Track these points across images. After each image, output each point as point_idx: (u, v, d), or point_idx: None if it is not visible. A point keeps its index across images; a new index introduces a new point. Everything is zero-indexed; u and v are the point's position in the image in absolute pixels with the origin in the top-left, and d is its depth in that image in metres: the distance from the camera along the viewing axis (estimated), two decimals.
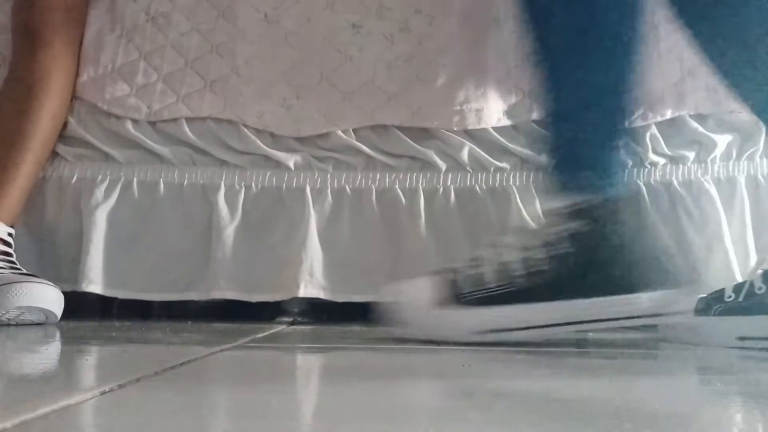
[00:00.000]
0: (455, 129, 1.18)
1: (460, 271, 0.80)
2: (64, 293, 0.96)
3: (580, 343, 0.95)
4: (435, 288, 0.79)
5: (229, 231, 1.14)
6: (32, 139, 1.11)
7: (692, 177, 1.21)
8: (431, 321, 0.78)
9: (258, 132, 1.17)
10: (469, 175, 1.19)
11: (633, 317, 0.79)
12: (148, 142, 1.17)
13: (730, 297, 0.85)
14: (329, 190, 1.19)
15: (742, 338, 0.77)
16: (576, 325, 0.79)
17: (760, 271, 0.89)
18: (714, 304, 0.84)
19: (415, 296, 0.79)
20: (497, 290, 0.78)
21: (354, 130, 1.18)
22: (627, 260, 0.79)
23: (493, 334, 0.78)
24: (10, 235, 1.07)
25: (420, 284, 0.80)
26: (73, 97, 1.18)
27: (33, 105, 1.12)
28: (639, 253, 0.80)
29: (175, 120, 1.17)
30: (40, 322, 0.93)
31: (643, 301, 0.79)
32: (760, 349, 0.77)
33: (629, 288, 0.79)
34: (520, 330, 0.78)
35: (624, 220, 0.81)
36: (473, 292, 0.78)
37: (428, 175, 1.19)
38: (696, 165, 1.21)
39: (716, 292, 0.87)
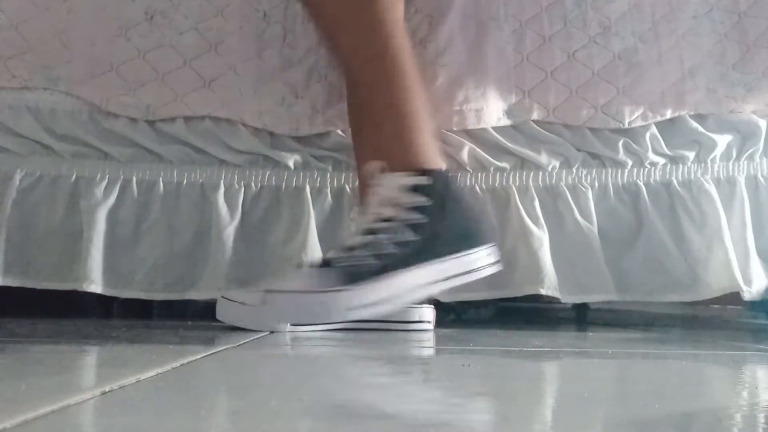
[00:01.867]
0: (455, 129, 1.18)
1: (335, 259, 0.90)
2: (64, 293, 0.96)
3: (580, 343, 0.95)
4: (307, 277, 0.88)
5: (229, 231, 1.14)
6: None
7: (692, 177, 1.21)
8: (306, 306, 0.87)
9: (257, 131, 1.17)
10: (469, 175, 1.19)
11: (476, 269, 0.96)
12: (147, 141, 1.16)
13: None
14: (329, 190, 1.19)
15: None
16: (440, 283, 0.92)
17: None
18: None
19: (286, 287, 0.89)
20: (368, 265, 0.88)
21: None
22: (460, 224, 0.95)
23: (367, 308, 0.87)
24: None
25: (290, 277, 0.90)
26: (73, 96, 1.18)
27: None
28: (465, 217, 0.96)
29: (173, 119, 1.17)
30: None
31: (482, 254, 0.97)
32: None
33: (471, 244, 0.95)
34: (390, 300, 0.88)
35: (451, 194, 0.96)
36: (346, 268, 0.88)
37: None
38: (696, 165, 1.21)
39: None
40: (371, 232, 0.92)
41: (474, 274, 0.95)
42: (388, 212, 0.93)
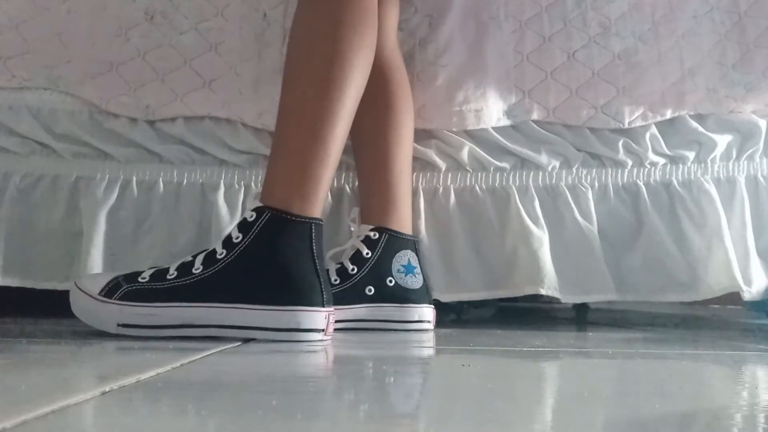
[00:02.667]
0: (454, 129, 1.18)
1: (141, 271, 0.86)
2: (64, 293, 0.95)
3: (580, 343, 0.95)
4: (106, 282, 0.84)
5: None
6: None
7: (692, 177, 1.21)
8: (91, 310, 0.84)
9: (257, 131, 1.17)
10: (468, 174, 1.19)
11: (276, 329, 0.83)
12: (147, 141, 1.16)
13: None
14: (329, 190, 1.19)
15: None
16: (210, 329, 0.83)
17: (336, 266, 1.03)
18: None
19: (89, 286, 0.85)
20: (155, 286, 0.83)
21: None
22: (279, 274, 0.84)
23: (137, 329, 0.82)
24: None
25: (100, 278, 0.86)
26: (73, 96, 1.18)
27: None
28: (293, 272, 0.84)
29: (173, 119, 1.17)
30: None
31: (292, 315, 0.83)
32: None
33: (278, 300, 0.83)
34: (159, 328, 0.83)
35: (282, 240, 0.85)
36: (131, 286, 0.84)
37: (428, 174, 1.19)
38: (696, 165, 1.21)
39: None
40: (197, 254, 0.87)
41: (261, 333, 0.83)
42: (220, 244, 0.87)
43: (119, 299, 0.83)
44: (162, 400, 0.46)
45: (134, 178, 1.16)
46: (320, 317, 0.84)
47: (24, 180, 1.15)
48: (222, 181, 1.17)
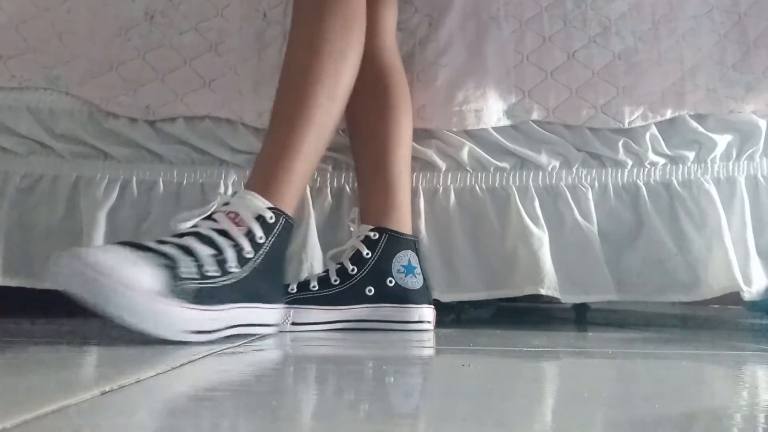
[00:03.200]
0: (454, 129, 1.18)
1: (179, 262, 0.75)
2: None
3: (580, 343, 0.95)
4: (156, 277, 0.71)
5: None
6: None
7: (692, 177, 1.21)
8: (149, 314, 0.70)
9: (257, 131, 1.17)
10: (469, 174, 1.19)
11: (265, 325, 0.87)
12: (147, 141, 1.16)
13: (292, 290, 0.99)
14: (329, 190, 1.19)
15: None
16: (234, 329, 0.81)
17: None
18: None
19: (135, 283, 0.70)
20: (203, 284, 0.76)
21: None
22: (276, 276, 0.89)
23: (205, 335, 0.76)
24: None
25: (141, 271, 0.71)
26: (73, 96, 1.18)
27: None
28: (281, 273, 0.91)
29: (173, 119, 1.17)
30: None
31: (274, 312, 0.89)
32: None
33: (273, 299, 0.88)
34: (210, 333, 0.77)
35: (284, 245, 0.89)
36: (189, 283, 0.74)
37: (428, 174, 1.19)
38: (696, 165, 1.21)
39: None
40: (208, 240, 0.80)
41: (260, 329, 0.86)
42: (224, 225, 0.83)
43: (183, 299, 0.73)
44: (162, 400, 0.46)
45: (134, 178, 1.16)
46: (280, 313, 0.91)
47: (24, 180, 1.15)
48: (222, 181, 1.17)
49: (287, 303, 0.96)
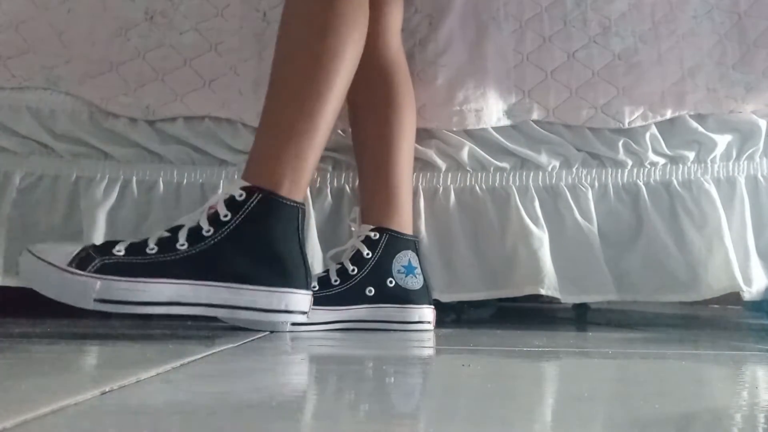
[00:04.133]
0: (454, 129, 1.18)
1: (114, 243, 0.81)
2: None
3: (580, 343, 0.95)
4: (74, 253, 0.79)
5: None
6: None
7: (692, 177, 1.21)
8: (60, 283, 0.77)
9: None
10: (469, 174, 1.19)
11: (258, 309, 0.84)
12: (147, 141, 1.16)
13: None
14: (329, 190, 1.19)
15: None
16: (200, 307, 0.81)
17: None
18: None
19: (53, 257, 0.78)
20: (134, 261, 0.79)
21: None
22: (265, 255, 0.84)
23: (118, 305, 0.78)
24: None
25: (63, 248, 0.80)
26: (73, 96, 1.18)
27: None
28: (278, 253, 0.85)
29: (173, 119, 1.17)
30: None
31: (274, 296, 0.84)
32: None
33: (264, 281, 0.83)
34: (143, 305, 0.79)
35: (271, 220, 0.85)
36: (108, 259, 0.79)
37: (428, 174, 1.19)
38: (696, 165, 1.21)
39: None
40: (173, 229, 0.84)
41: (254, 314, 0.83)
42: (198, 217, 0.85)
43: (96, 272, 0.78)
44: (162, 400, 0.46)
45: (134, 178, 1.16)
46: (306, 300, 0.87)
47: (24, 180, 1.15)
48: (222, 181, 1.17)
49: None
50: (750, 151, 1.21)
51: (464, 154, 1.18)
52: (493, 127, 1.19)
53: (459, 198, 1.19)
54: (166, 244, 0.82)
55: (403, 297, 1.05)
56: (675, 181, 1.20)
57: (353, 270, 1.04)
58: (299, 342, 0.83)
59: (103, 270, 0.78)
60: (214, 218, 0.84)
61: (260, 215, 0.84)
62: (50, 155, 1.17)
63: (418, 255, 1.09)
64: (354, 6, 0.94)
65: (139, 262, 0.79)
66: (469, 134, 1.19)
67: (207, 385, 0.53)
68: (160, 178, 1.17)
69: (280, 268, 0.85)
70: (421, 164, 1.19)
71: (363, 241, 1.06)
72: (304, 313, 0.86)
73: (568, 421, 0.43)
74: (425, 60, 1.23)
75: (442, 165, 1.19)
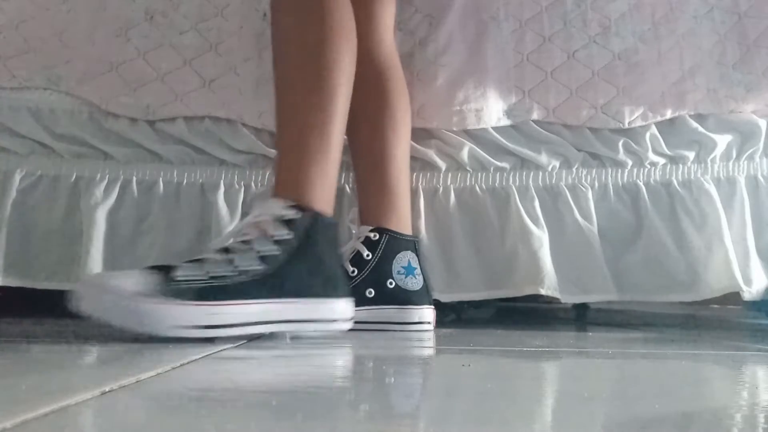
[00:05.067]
0: (454, 129, 1.18)
1: (175, 266, 0.79)
2: (64, 293, 0.96)
3: (580, 343, 0.95)
4: (143, 280, 0.76)
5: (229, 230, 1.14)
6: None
7: (692, 177, 1.21)
8: (132, 312, 0.75)
9: (257, 131, 1.17)
10: (468, 174, 1.19)
11: (321, 320, 0.87)
12: (147, 141, 1.16)
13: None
14: None
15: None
16: (274, 324, 0.83)
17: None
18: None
19: (118, 285, 0.76)
20: (207, 283, 0.79)
21: None
22: (319, 269, 0.87)
23: (197, 330, 0.77)
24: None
25: (128, 275, 0.78)
26: (73, 96, 1.18)
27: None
28: (329, 266, 0.89)
29: (173, 119, 1.17)
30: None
31: (330, 307, 0.88)
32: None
33: (321, 293, 0.87)
34: (224, 327, 0.79)
35: (321, 237, 0.88)
36: (183, 284, 0.77)
37: (428, 174, 1.19)
38: (696, 165, 1.21)
39: None
40: (226, 250, 0.84)
41: (318, 325, 0.86)
42: (251, 235, 0.86)
43: (176, 298, 0.76)
44: (162, 400, 0.46)
45: (134, 178, 1.16)
46: (352, 306, 0.91)
47: (24, 180, 1.15)
48: (222, 181, 1.17)
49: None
50: (750, 151, 1.21)
51: (464, 154, 1.18)
52: (493, 127, 1.19)
53: (459, 198, 1.19)
54: (230, 265, 0.82)
55: (403, 298, 1.05)
56: (675, 181, 1.20)
57: (353, 272, 1.04)
58: (298, 343, 0.83)
59: (181, 295, 0.77)
60: (272, 239, 0.86)
61: (312, 233, 0.88)
62: (50, 155, 1.17)
63: (417, 255, 1.09)
64: (341, 13, 0.96)
65: (216, 285, 0.80)
66: (469, 134, 1.19)
67: (207, 385, 0.53)
68: (160, 178, 1.17)
69: (331, 280, 0.89)
70: (421, 164, 1.19)
71: (363, 242, 1.06)
72: (352, 318, 0.91)
73: (568, 421, 0.43)
74: (425, 60, 1.23)
75: (442, 165, 1.19)
